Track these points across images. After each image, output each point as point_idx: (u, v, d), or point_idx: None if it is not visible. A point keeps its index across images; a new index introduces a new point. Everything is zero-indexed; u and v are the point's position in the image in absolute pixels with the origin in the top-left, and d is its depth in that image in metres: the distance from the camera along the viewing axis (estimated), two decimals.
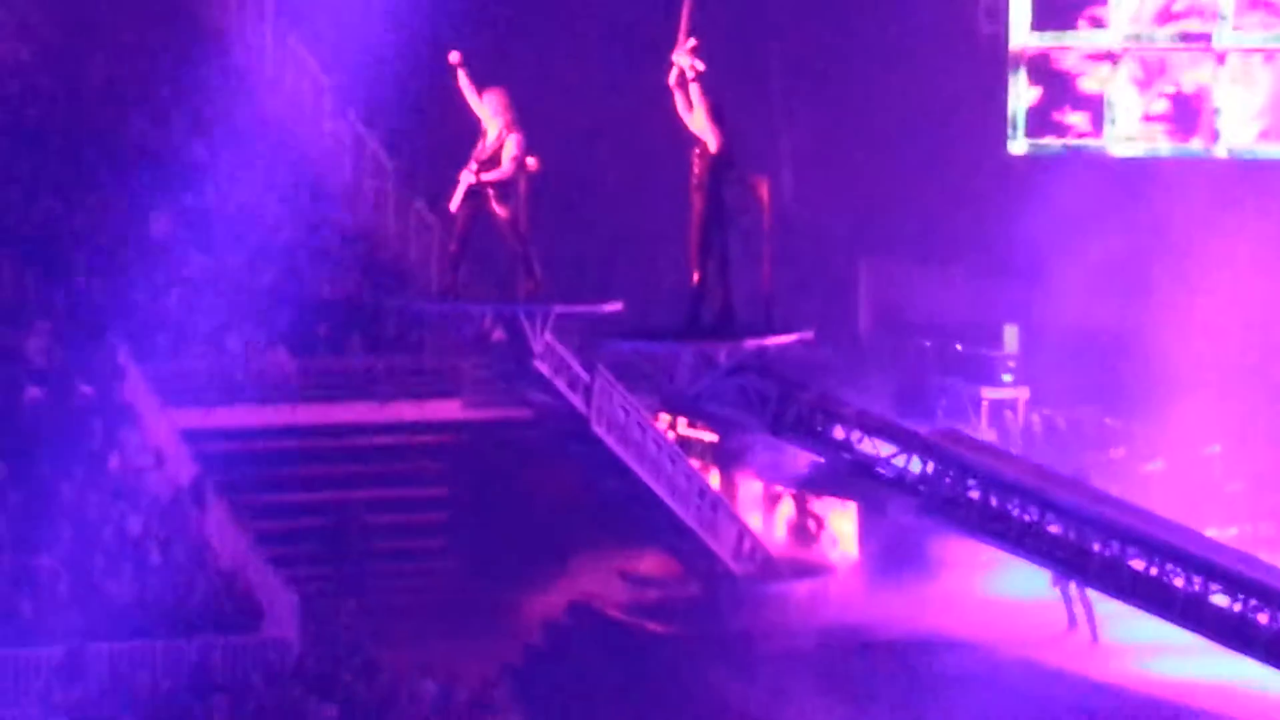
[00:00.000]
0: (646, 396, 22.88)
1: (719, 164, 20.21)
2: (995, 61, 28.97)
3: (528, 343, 20.80)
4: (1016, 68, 28.83)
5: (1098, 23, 28.42)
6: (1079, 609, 21.50)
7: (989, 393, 26.21)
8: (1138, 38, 28.11)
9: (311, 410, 26.18)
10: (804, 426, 20.54)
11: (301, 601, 21.81)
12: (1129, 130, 28.16)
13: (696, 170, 20.30)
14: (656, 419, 23.86)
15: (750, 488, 24.57)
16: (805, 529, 24.12)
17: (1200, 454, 24.10)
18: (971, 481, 20.08)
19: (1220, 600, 19.07)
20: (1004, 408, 26.13)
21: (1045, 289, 26.39)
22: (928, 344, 27.63)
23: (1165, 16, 27.98)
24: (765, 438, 21.45)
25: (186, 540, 22.60)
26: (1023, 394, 26.18)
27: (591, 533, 23.84)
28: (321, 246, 28.49)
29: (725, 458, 24.68)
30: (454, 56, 20.47)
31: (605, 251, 28.90)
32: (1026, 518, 19.88)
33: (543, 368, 21.01)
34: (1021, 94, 28.79)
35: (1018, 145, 28.90)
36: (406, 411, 26.56)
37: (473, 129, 20.78)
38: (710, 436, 24.98)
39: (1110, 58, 28.30)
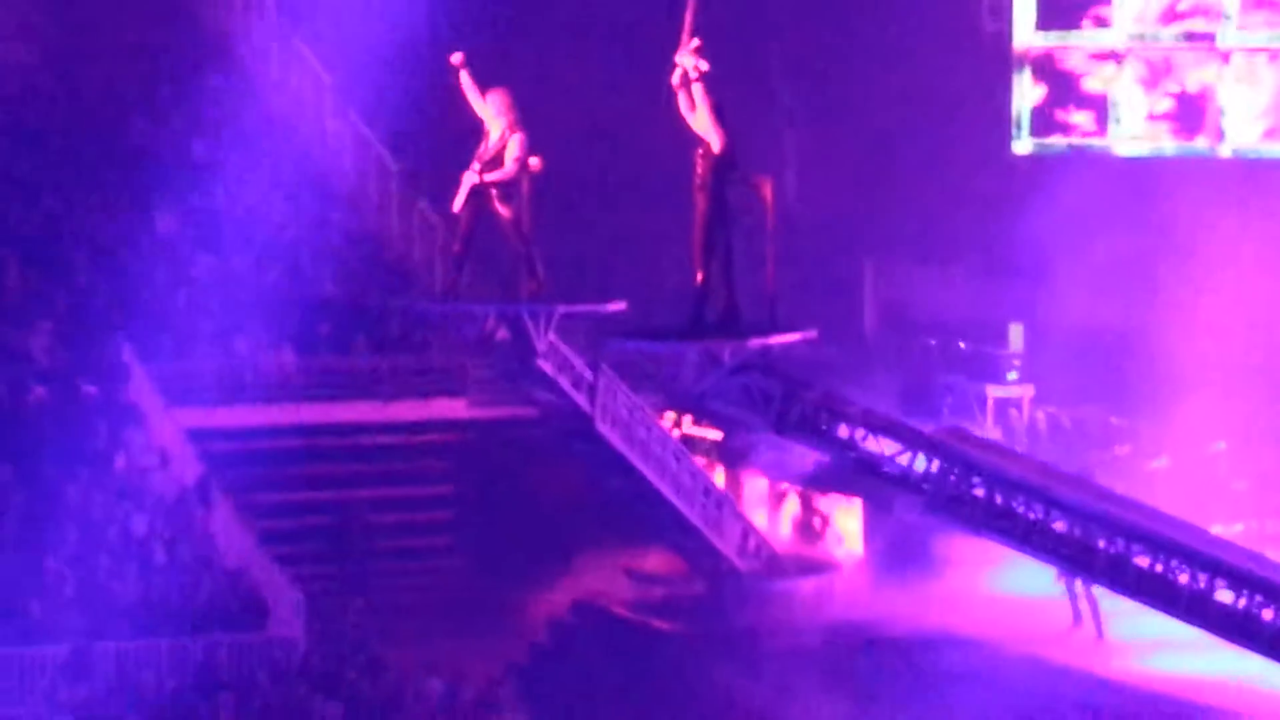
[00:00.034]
0: (651, 395, 22.89)
1: (722, 164, 20.16)
2: (999, 61, 28.98)
3: (531, 342, 20.82)
4: (1020, 67, 28.84)
5: (1102, 22, 28.41)
6: (1084, 606, 21.50)
7: (994, 391, 26.21)
8: (1142, 37, 28.11)
9: (316, 409, 26.19)
10: (808, 425, 20.51)
11: (307, 600, 21.83)
12: (1133, 130, 28.16)
13: (700, 170, 20.25)
14: (661, 417, 23.88)
15: (755, 485, 24.57)
16: (810, 526, 24.12)
17: (1205, 451, 24.09)
18: (976, 479, 20.04)
19: (1225, 596, 19.04)
20: (1009, 406, 26.13)
21: (1050, 288, 26.38)
22: (933, 342, 27.64)
23: (1170, 16, 27.97)
24: (770, 436, 21.42)
25: (192, 539, 22.63)
26: (1028, 392, 26.18)
27: (596, 531, 23.85)
28: (326, 246, 28.51)
29: (730, 456, 24.69)
30: (456, 57, 20.47)
31: (609, 251, 28.89)
32: (1031, 515, 19.85)
33: (546, 367, 21.03)
34: (1026, 93, 28.79)
35: (1022, 145, 28.91)
36: (411, 411, 26.58)
37: (476, 128, 20.78)
38: (715, 434, 24.99)
39: (1114, 57, 28.30)
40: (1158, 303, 25.05)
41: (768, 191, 20.37)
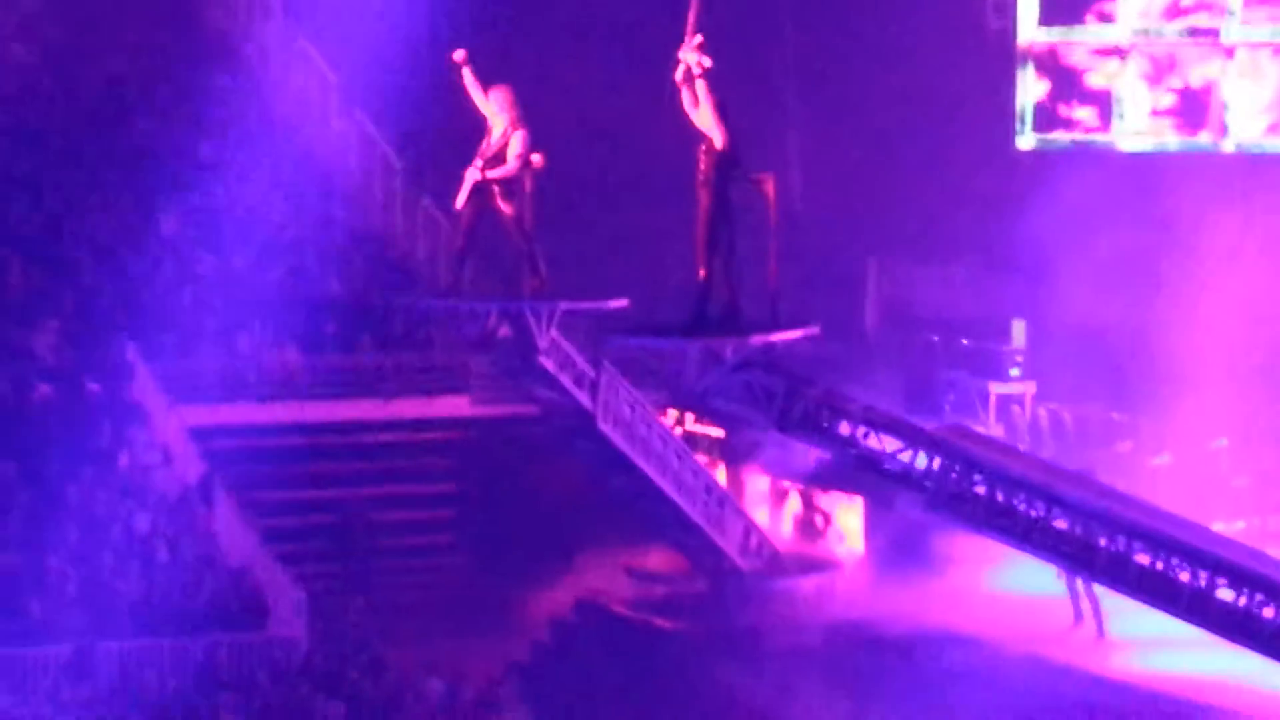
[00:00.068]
0: (653, 392, 22.88)
1: (725, 161, 20.16)
2: (1003, 57, 28.94)
3: (533, 339, 20.81)
4: (1024, 63, 28.79)
5: (1106, 18, 28.36)
6: (1085, 604, 21.48)
7: (996, 388, 26.17)
8: (1146, 32, 28.06)
9: (320, 408, 26.20)
10: (810, 422, 20.51)
11: (309, 599, 21.84)
12: (1137, 125, 28.11)
13: (702, 167, 20.25)
14: (663, 415, 23.88)
15: (757, 483, 24.59)
16: (812, 524, 24.14)
17: (1207, 448, 24.04)
18: (978, 476, 20.04)
19: (1226, 595, 19.01)
20: (1011, 403, 26.09)
21: (1052, 284, 26.33)
22: (935, 339, 27.60)
23: (1174, 11, 27.93)
24: (772, 434, 21.42)
25: (194, 538, 22.63)
26: (1030, 389, 26.14)
27: (598, 529, 23.86)
28: (330, 244, 28.52)
29: (733, 453, 24.70)
30: (458, 55, 20.48)
31: (611, 248, 28.86)
32: (1033, 513, 19.83)
33: (548, 364, 21.03)
34: (1029, 89, 28.75)
35: (1025, 140, 28.87)
36: (414, 409, 26.57)
37: (480, 126, 20.79)
38: (717, 432, 25.00)
39: (1118, 53, 28.25)
40: (1160, 299, 25.00)
41: (770, 188, 20.36)
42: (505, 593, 24.17)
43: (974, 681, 19.98)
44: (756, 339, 20.37)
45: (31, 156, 28.24)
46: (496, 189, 20.55)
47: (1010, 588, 22.13)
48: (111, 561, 21.97)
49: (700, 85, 20.13)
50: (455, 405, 26.66)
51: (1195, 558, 19.13)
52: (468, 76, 20.54)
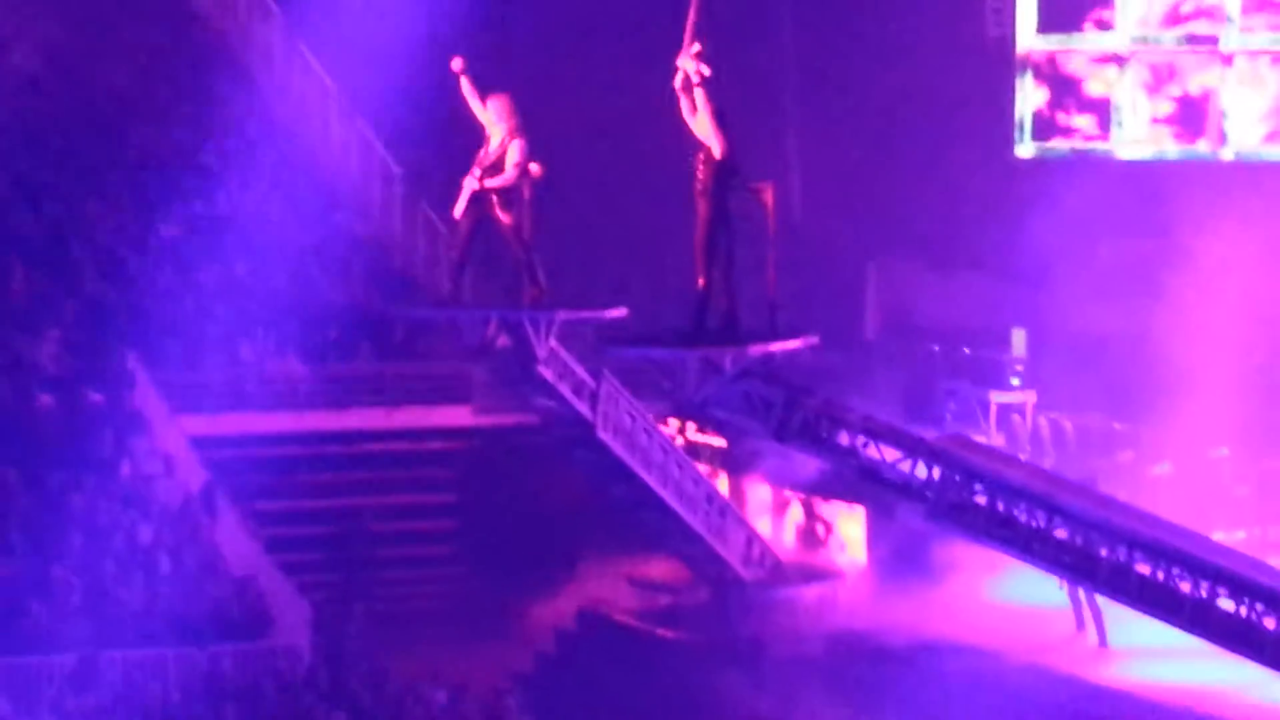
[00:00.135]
0: (653, 402, 22.90)
1: (723, 169, 20.15)
2: (1002, 64, 28.95)
3: (532, 349, 20.82)
4: (1023, 70, 28.82)
5: (1104, 25, 28.38)
6: (1087, 613, 21.51)
7: (997, 397, 26.15)
8: (1144, 40, 28.08)
9: (321, 417, 26.22)
10: (809, 433, 20.53)
11: (312, 609, 21.86)
12: (1136, 133, 28.13)
13: (701, 175, 20.24)
14: (664, 424, 23.91)
15: (759, 492, 24.62)
16: (814, 534, 24.18)
17: (1208, 457, 24.05)
18: (978, 486, 20.07)
19: (1227, 605, 19.03)
20: (1011, 412, 26.09)
21: (1052, 293, 26.35)
22: (935, 348, 27.62)
23: (1173, 19, 27.94)
24: (772, 444, 21.44)
25: (197, 548, 22.66)
26: (1030, 398, 26.14)
27: (601, 539, 23.90)
28: (330, 252, 28.55)
29: (734, 462, 24.73)
30: (456, 63, 20.46)
31: (610, 257, 28.91)
32: (1034, 523, 19.86)
33: (547, 374, 21.03)
34: (1028, 97, 28.78)
35: (1024, 149, 28.89)
36: (416, 418, 26.59)
37: (479, 133, 20.79)
38: (719, 442, 25.03)
39: (1117, 60, 28.28)
40: (1160, 308, 25.00)
41: (769, 197, 20.36)
42: (507, 602, 24.21)
43: (976, 691, 20.01)
44: (755, 349, 20.37)
45: (34, 163, 28.26)
46: (495, 198, 20.54)
47: (1012, 597, 22.16)
48: (114, 571, 21.99)
49: (699, 93, 20.13)
50: (457, 415, 26.67)
51: (1196, 568, 19.15)
52: (465, 85, 20.54)
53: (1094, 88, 28.48)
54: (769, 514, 24.53)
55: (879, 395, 23.76)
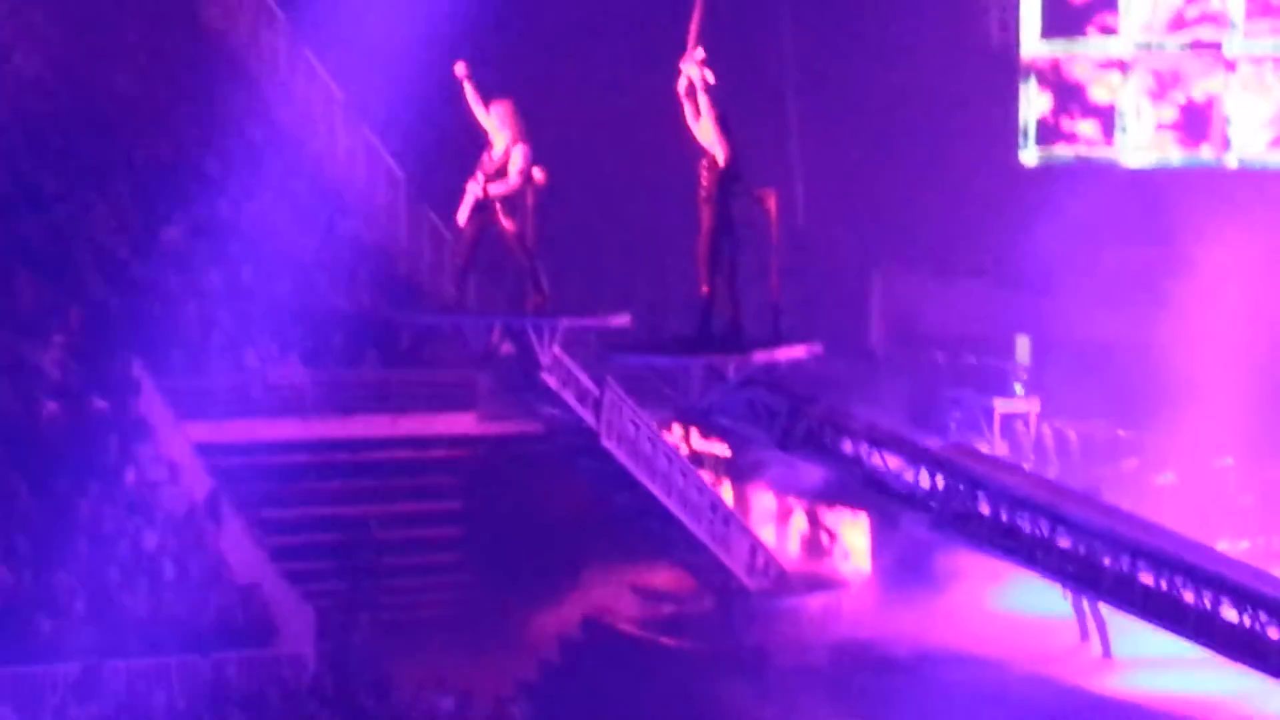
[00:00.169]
0: (657, 409, 22.91)
1: (727, 176, 20.15)
2: (1006, 71, 28.95)
3: (535, 356, 20.81)
4: (1027, 76, 28.81)
5: (1108, 30, 28.37)
6: (1091, 623, 21.51)
7: (1001, 405, 26.13)
8: (1148, 46, 28.07)
9: (326, 424, 26.22)
10: (813, 441, 20.52)
11: (316, 616, 21.87)
12: (1140, 139, 28.12)
13: (705, 182, 20.24)
14: (668, 432, 23.90)
15: (763, 501, 24.61)
16: (818, 543, 24.18)
17: (1212, 466, 24.05)
18: (982, 495, 20.06)
19: (1230, 615, 19.02)
20: (1016, 420, 26.07)
21: (1056, 300, 26.37)
22: (940, 356, 27.61)
23: (1177, 24, 27.92)
24: (776, 452, 21.44)
25: (202, 555, 22.69)
26: (1034, 406, 26.12)
27: (606, 547, 23.88)
28: (335, 259, 28.57)
29: (739, 471, 24.72)
30: (460, 69, 20.45)
31: (614, 264, 28.93)
32: (1037, 532, 19.86)
33: (550, 381, 21.02)
34: (1032, 103, 28.77)
35: (1029, 155, 28.89)
36: (420, 425, 26.59)
37: (483, 139, 20.79)
38: (723, 450, 25.03)
39: (1121, 66, 28.27)
40: (1164, 315, 24.98)
41: (772, 204, 20.36)
42: (512, 610, 24.20)
43: (980, 701, 20.02)
44: (759, 356, 20.36)
45: (38, 167, 28.29)
46: (498, 204, 20.54)
47: (1016, 607, 22.15)
48: (119, 578, 22.03)
49: (703, 100, 20.13)
50: (462, 422, 26.67)
51: (1200, 577, 19.13)
52: (469, 91, 20.53)
53: (1098, 94, 28.47)
54: (773, 522, 24.53)
55: (883, 403, 23.72)
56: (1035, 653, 21.24)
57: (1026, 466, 23.95)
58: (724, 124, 20.20)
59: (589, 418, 21.49)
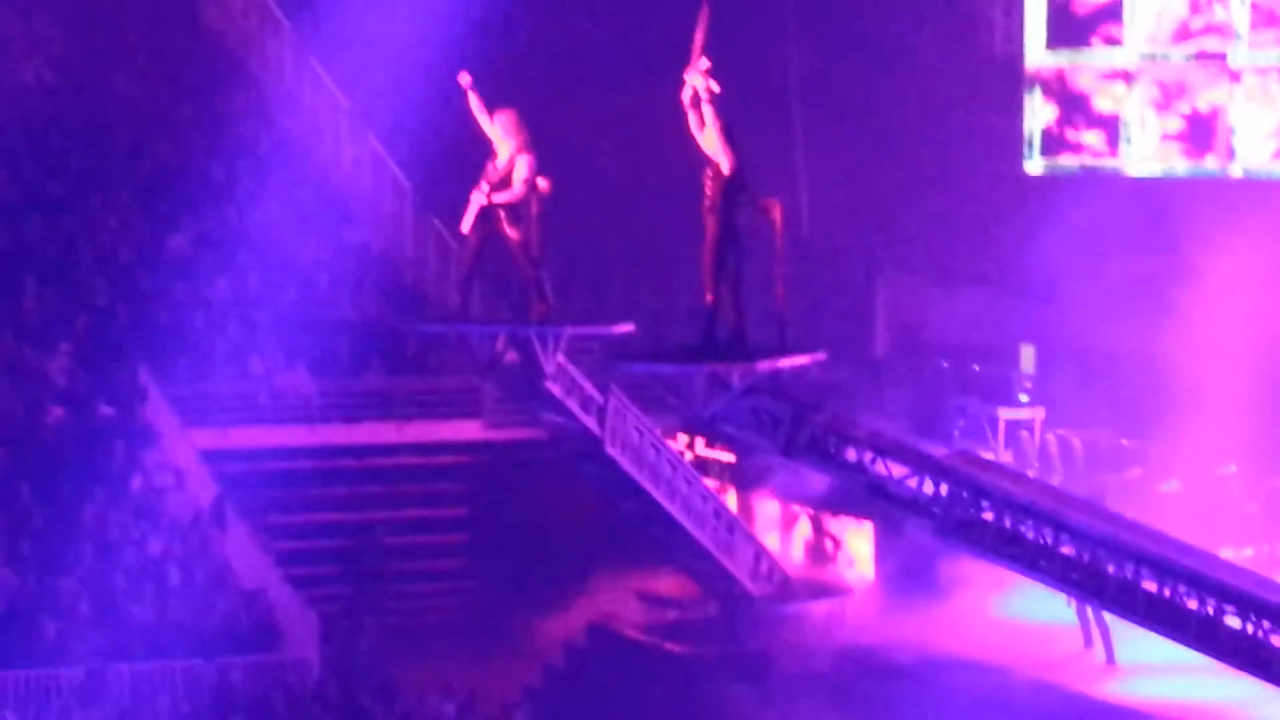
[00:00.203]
0: (662, 417, 22.96)
1: (732, 186, 20.17)
2: (1011, 80, 29.00)
3: (540, 364, 20.86)
4: (1031, 86, 28.86)
5: (1113, 41, 28.42)
6: (1095, 630, 21.53)
7: (1006, 413, 26.13)
8: (1153, 56, 28.12)
9: (332, 431, 26.32)
10: (817, 448, 20.52)
11: (321, 622, 21.92)
12: (1145, 150, 28.16)
13: (709, 192, 20.24)
14: (673, 440, 23.94)
15: (767, 508, 24.65)
16: (822, 549, 24.20)
17: (1216, 474, 24.04)
18: (986, 503, 20.08)
19: (1234, 622, 19.03)
20: (1020, 428, 26.10)
21: (1061, 309, 26.39)
22: (944, 364, 27.63)
23: (1182, 35, 27.96)
24: (781, 459, 21.47)
25: (207, 561, 22.75)
26: (1039, 414, 26.13)
27: (610, 553, 23.93)
28: (341, 267, 28.64)
29: (743, 478, 24.76)
30: (464, 78, 20.50)
31: (618, 272, 29.00)
32: (1041, 540, 19.87)
33: (555, 389, 21.07)
34: (1037, 113, 28.82)
35: (1033, 165, 28.93)
36: (426, 432, 26.67)
37: (488, 148, 20.85)
38: (728, 457, 25.07)
39: (1125, 76, 28.32)
40: (1169, 324, 24.99)
41: (777, 213, 20.37)
42: (517, 616, 24.24)
43: (983, 707, 20.02)
44: (763, 365, 20.37)
45: (46, 179, 28.38)
46: (502, 213, 20.55)
47: (1019, 614, 22.15)
48: (124, 584, 22.08)
49: (707, 109, 20.17)
50: (468, 429, 26.74)
51: (1204, 585, 19.13)
52: (473, 100, 20.56)
53: (1103, 104, 28.51)
54: (777, 529, 24.54)
55: (888, 411, 23.79)
56: (1039, 659, 21.25)
57: (1031, 474, 23.95)
58: (728, 133, 20.23)
59: (593, 425, 21.52)
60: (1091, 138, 28.53)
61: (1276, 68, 27.46)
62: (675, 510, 22.16)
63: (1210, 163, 27.69)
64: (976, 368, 27.26)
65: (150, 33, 31.07)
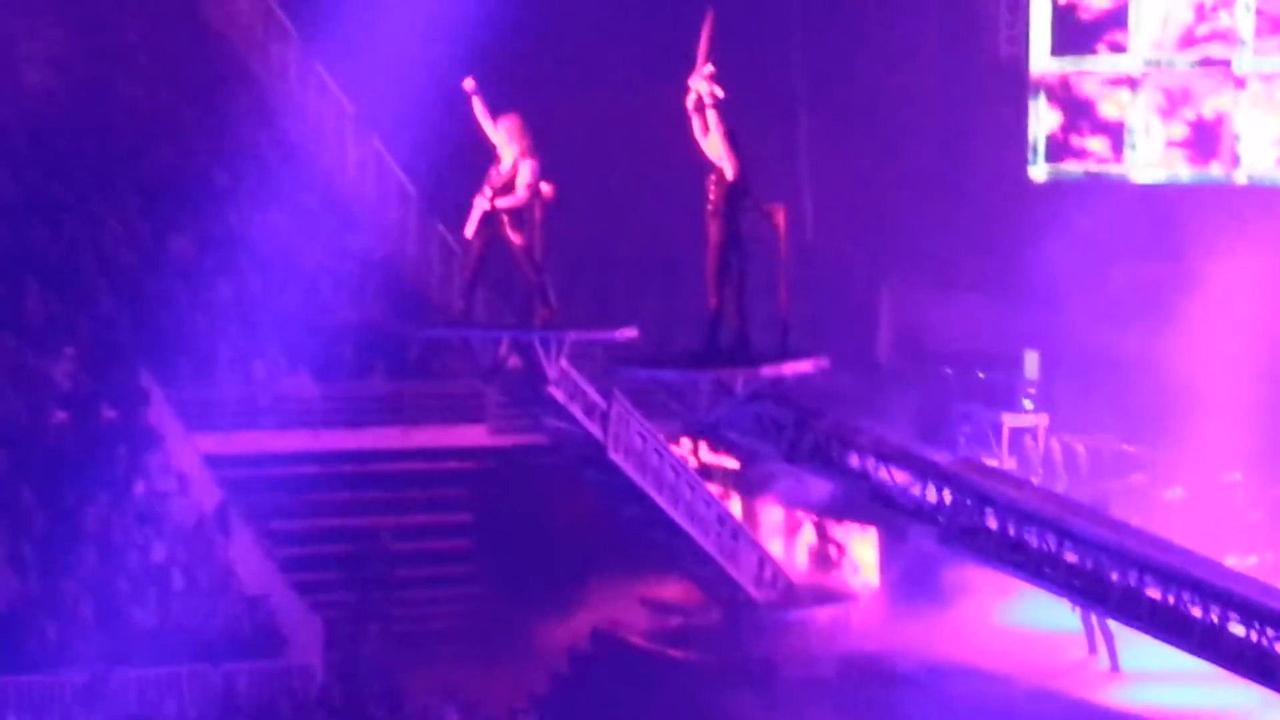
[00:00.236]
0: (665, 423, 22.96)
1: (735, 191, 20.21)
2: (1015, 87, 29.00)
3: (543, 370, 20.86)
4: (1036, 93, 28.86)
5: (1117, 47, 28.42)
6: (1099, 637, 21.51)
7: (1010, 419, 26.11)
8: (1158, 63, 28.12)
9: (335, 436, 26.27)
10: (820, 455, 20.55)
11: (326, 628, 21.91)
12: (1149, 156, 28.15)
13: (713, 197, 20.29)
14: (677, 445, 23.94)
15: (771, 514, 24.64)
16: (826, 556, 24.19)
17: (1220, 482, 24.04)
18: (990, 510, 20.09)
19: (1238, 630, 19.03)
20: (1024, 434, 26.08)
21: (1065, 315, 26.37)
22: (948, 370, 27.62)
23: (1186, 41, 27.96)
24: (785, 465, 21.47)
25: (210, 566, 22.75)
26: (1043, 421, 26.10)
27: (615, 560, 23.92)
28: (345, 271, 28.63)
29: (747, 484, 24.75)
30: (468, 84, 20.52)
31: (622, 278, 28.97)
32: (1045, 547, 19.87)
33: (558, 394, 21.07)
34: (1041, 119, 28.82)
35: (1038, 171, 28.94)
36: (430, 437, 26.63)
37: (492, 153, 20.86)
38: (732, 463, 25.06)
39: (1130, 83, 28.31)
40: (1173, 331, 24.96)
41: (781, 219, 20.41)
42: (521, 622, 24.23)
43: (987, 715, 20.03)
44: (767, 370, 20.40)
45: (49, 181, 28.37)
46: (506, 218, 20.58)
47: (1024, 621, 22.14)
48: (127, 589, 22.08)
49: (711, 115, 20.19)
50: (472, 435, 26.71)
51: (1208, 592, 19.14)
52: (477, 105, 20.59)
53: (1107, 110, 28.51)
54: (781, 535, 24.54)
55: (891, 418, 23.75)
56: (1042, 667, 21.24)
57: (1034, 481, 23.93)
58: (732, 139, 20.26)
59: (596, 431, 21.54)
60: (1096, 144, 28.53)
61: None
62: (679, 516, 22.16)
63: (1215, 169, 27.69)
64: (980, 374, 27.22)
65: (153, 35, 31.04)
